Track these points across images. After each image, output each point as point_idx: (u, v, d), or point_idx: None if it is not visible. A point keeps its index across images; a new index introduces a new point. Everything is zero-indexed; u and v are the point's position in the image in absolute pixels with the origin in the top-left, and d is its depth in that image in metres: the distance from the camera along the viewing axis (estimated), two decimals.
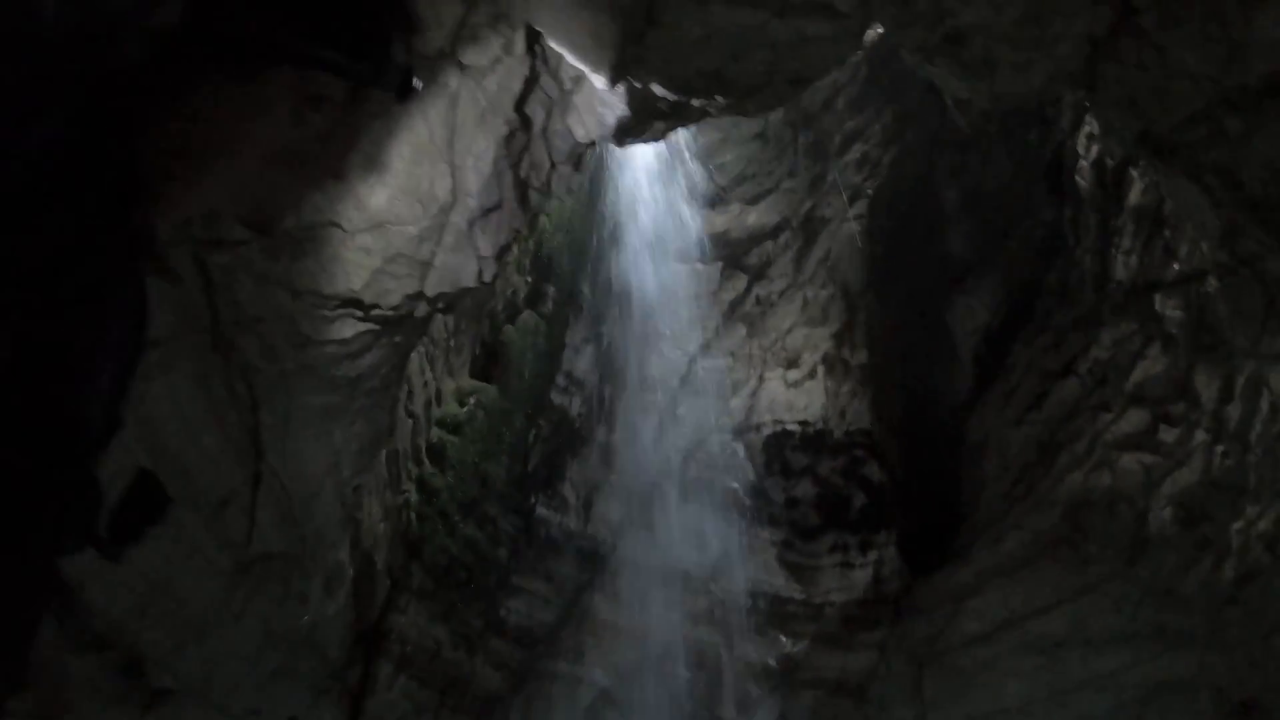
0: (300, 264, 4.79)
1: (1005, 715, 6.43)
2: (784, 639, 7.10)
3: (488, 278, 6.53)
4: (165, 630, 4.93)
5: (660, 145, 7.94)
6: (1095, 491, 6.32)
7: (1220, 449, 5.75)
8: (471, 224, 6.46)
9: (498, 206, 6.83)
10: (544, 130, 6.18)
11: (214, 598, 5.20)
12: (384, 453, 6.51)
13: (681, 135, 7.64)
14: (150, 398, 4.34)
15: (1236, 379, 5.67)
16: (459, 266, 6.44)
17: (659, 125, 6.81)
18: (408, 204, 5.13)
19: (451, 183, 5.34)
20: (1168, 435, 6.04)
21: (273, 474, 5.15)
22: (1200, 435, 5.88)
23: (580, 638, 7.26)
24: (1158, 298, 6.00)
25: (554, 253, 7.74)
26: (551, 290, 7.75)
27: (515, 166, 6.60)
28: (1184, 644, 5.79)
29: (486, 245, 6.13)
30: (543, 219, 7.57)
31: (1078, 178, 6.41)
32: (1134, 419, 6.23)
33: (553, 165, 6.42)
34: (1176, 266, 5.87)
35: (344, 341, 4.80)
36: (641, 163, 7.95)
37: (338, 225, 4.74)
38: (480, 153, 5.47)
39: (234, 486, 5.02)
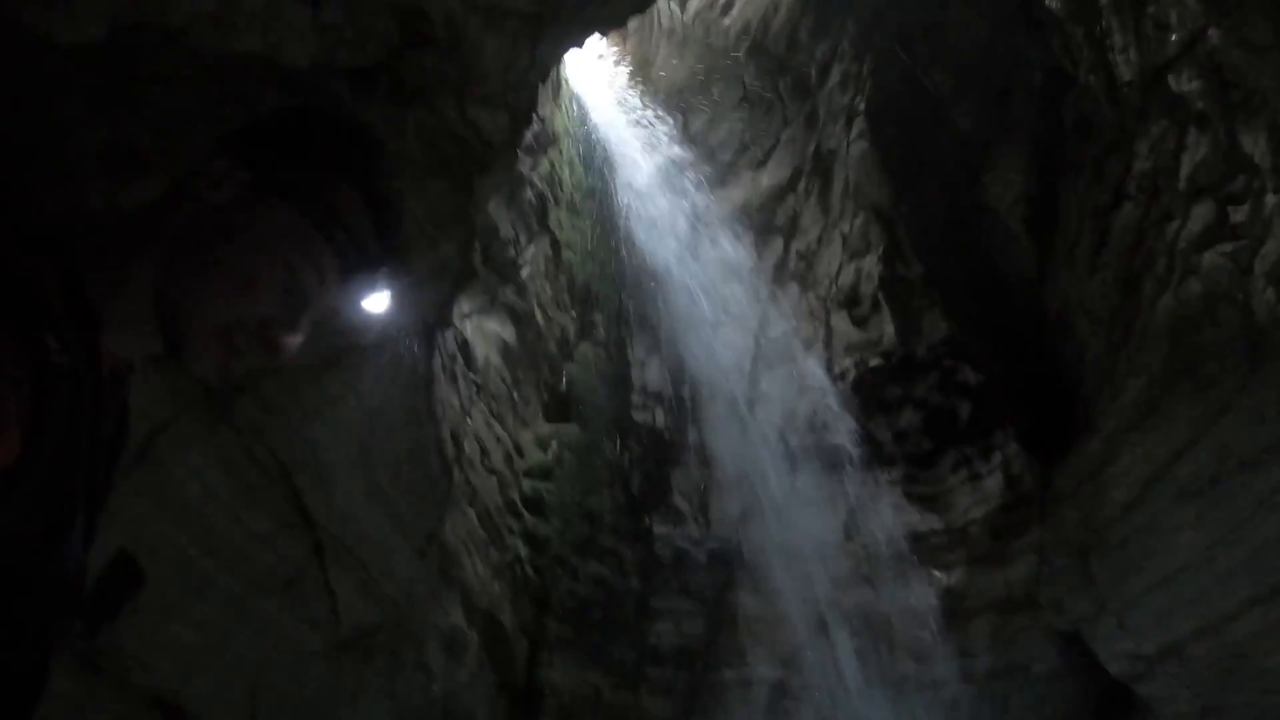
0: None
1: (1186, 572, 5.87)
2: (937, 573, 6.69)
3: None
4: None
5: (655, 159, 7.99)
6: (1190, 305, 5.82)
7: None
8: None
9: None
10: None
11: (320, 682, 5.19)
12: (472, 512, 6.49)
13: (665, 133, 7.68)
14: (174, 483, 4.38)
15: None
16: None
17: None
18: None
19: None
20: (1238, 215, 5.55)
21: (334, 540, 5.12)
22: (1270, 199, 5.38)
23: (736, 639, 7.00)
24: (1171, 79, 5.59)
25: (590, 281, 7.74)
26: (599, 318, 7.72)
27: None
28: None
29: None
30: (566, 254, 7.59)
31: (1046, 2, 6.07)
32: (1200, 214, 5.75)
33: None
34: (1174, 37, 5.46)
35: (333, 372, 4.82)
36: (643, 177, 7.97)
37: None
38: None
39: (297, 561, 5.01)
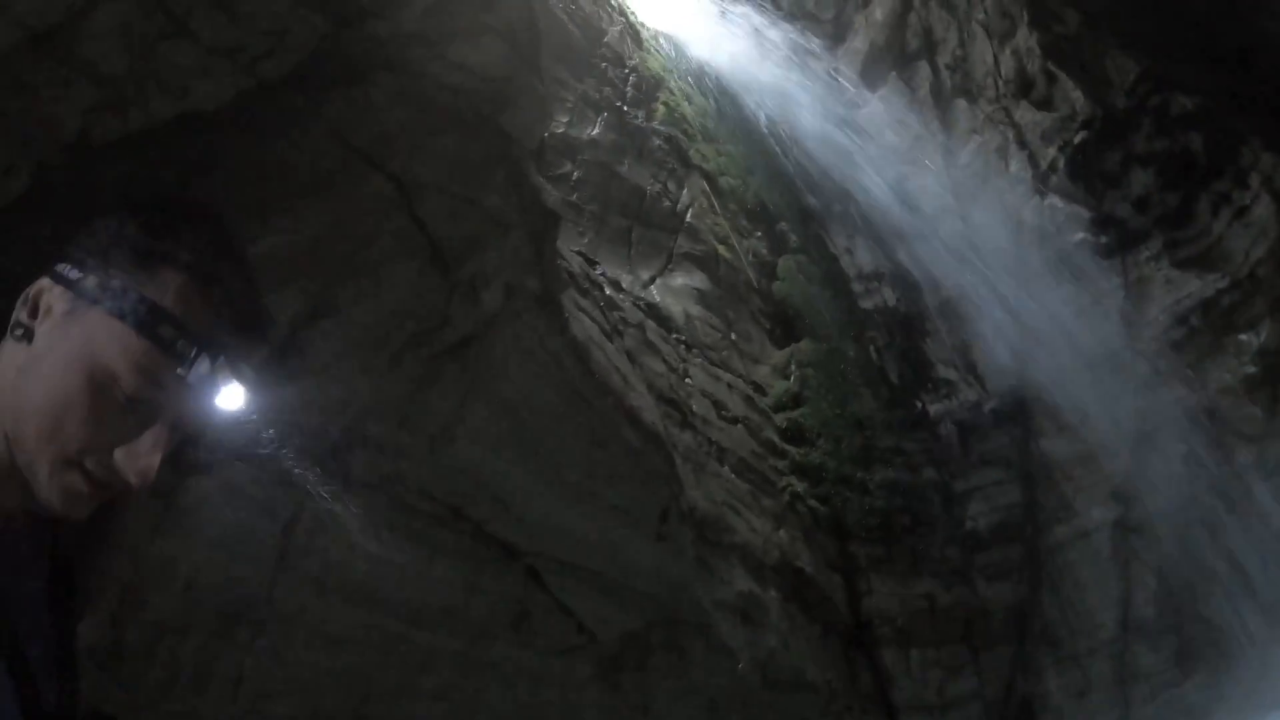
0: None
1: None
2: (1243, 337, 5.62)
3: None
4: None
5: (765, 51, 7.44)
6: None
7: None
8: None
9: None
10: None
11: (600, 707, 5.19)
12: (726, 469, 6.22)
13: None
14: (340, 566, 4.32)
15: None
16: None
17: None
18: None
19: None
20: None
21: (546, 560, 4.93)
22: None
23: (1057, 491, 6.27)
24: None
25: (759, 196, 7.28)
26: (785, 226, 7.25)
27: None
28: None
29: None
30: (723, 181, 7.18)
31: None
32: None
33: None
34: None
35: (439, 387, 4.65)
36: (762, 74, 7.40)
37: None
38: None
39: (515, 595, 4.82)
